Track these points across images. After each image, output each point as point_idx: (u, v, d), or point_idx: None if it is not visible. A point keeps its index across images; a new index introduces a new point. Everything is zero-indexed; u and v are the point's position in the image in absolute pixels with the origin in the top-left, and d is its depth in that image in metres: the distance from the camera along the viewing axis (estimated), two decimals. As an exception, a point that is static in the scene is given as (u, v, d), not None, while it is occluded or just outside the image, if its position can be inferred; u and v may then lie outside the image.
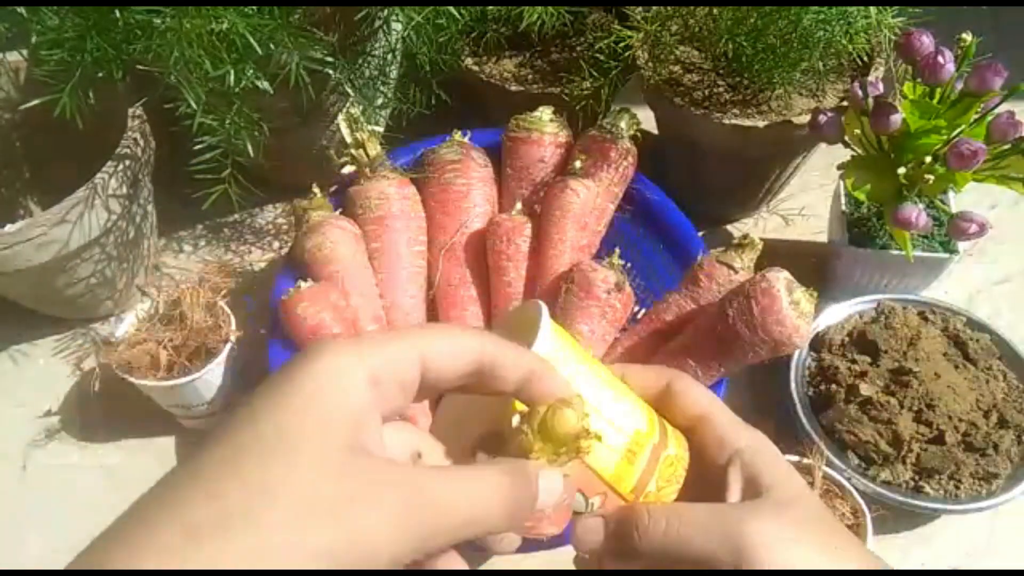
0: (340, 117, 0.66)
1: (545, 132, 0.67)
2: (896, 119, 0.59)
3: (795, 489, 0.35)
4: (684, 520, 0.33)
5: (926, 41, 0.59)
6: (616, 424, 0.33)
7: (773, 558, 0.31)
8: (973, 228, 0.60)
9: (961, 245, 0.71)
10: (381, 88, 0.71)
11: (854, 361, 0.67)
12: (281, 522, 0.22)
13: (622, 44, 0.69)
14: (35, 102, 0.57)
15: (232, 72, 0.54)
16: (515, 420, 0.28)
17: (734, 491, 0.35)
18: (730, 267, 0.60)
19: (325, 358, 0.25)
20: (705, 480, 0.36)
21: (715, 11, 0.68)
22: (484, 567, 0.62)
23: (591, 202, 0.65)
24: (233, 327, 0.64)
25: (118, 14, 0.54)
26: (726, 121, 0.67)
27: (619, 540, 0.34)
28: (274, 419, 0.23)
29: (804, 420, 0.65)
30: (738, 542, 0.32)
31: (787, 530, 0.32)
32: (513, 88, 0.76)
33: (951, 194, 0.71)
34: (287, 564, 0.21)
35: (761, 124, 0.67)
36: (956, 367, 0.66)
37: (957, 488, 0.62)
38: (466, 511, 0.25)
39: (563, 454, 0.28)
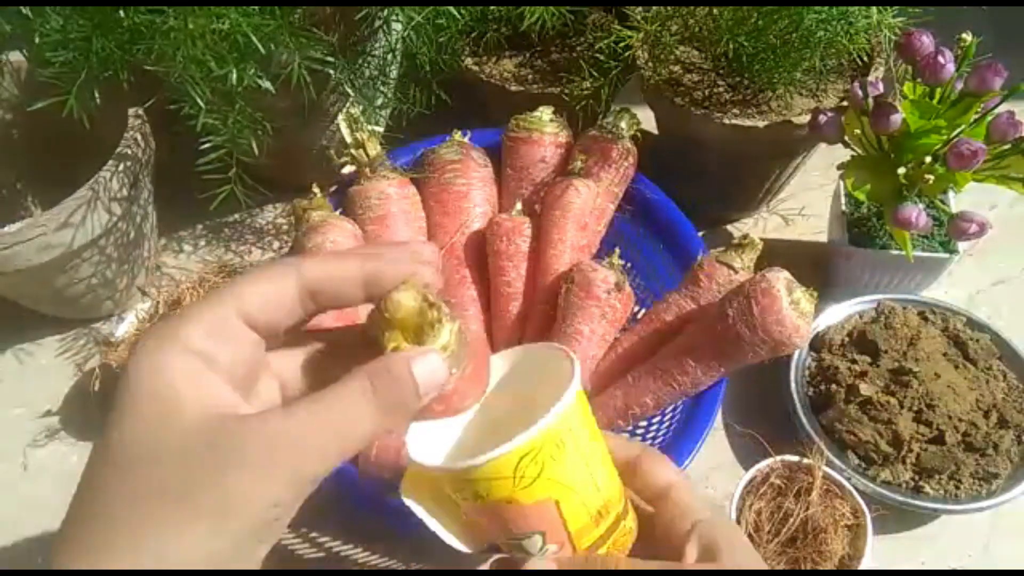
0: (340, 117, 0.66)
1: (545, 132, 0.67)
2: (896, 119, 0.59)
3: (749, 559, 0.35)
4: (675, 479, 0.36)
5: (926, 41, 0.59)
6: (598, 485, 0.34)
7: None
8: (973, 228, 0.60)
9: (961, 245, 0.71)
10: (381, 88, 0.71)
11: (854, 361, 0.67)
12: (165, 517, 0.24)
13: (622, 44, 0.69)
14: (41, 104, 0.57)
15: (235, 71, 0.54)
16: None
17: (691, 556, 0.36)
18: (730, 267, 0.60)
19: (144, 361, 0.26)
20: (665, 548, 0.37)
21: (715, 11, 0.68)
22: (485, 567, 0.62)
23: (591, 202, 0.65)
24: (233, 327, 0.64)
25: (122, 14, 0.54)
26: (726, 121, 0.67)
27: (628, 471, 0.37)
28: (124, 437, 0.25)
29: (804, 420, 0.65)
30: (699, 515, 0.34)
31: None
32: (513, 88, 0.76)
33: (951, 194, 0.71)
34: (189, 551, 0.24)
35: (761, 124, 0.67)
36: (956, 367, 0.66)
37: (957, 488, 0.62)
38: (331, 431, 0.26)
39: (429, 336, 0.28)
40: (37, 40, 0.56)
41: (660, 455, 0.39)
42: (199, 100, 0.54)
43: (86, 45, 0.55)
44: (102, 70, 0.56)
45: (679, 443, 0.57)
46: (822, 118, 0.64)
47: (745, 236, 0.62)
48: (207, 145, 0.57)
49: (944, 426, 0.62)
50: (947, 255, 0.70)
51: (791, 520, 0.56)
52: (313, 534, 0.64)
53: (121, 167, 0.63)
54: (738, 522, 0.56)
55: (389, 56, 0.69)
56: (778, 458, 0.59)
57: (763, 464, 0.60)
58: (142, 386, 0.25)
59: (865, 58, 0.71)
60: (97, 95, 0.57)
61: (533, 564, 0.34)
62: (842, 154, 0.65)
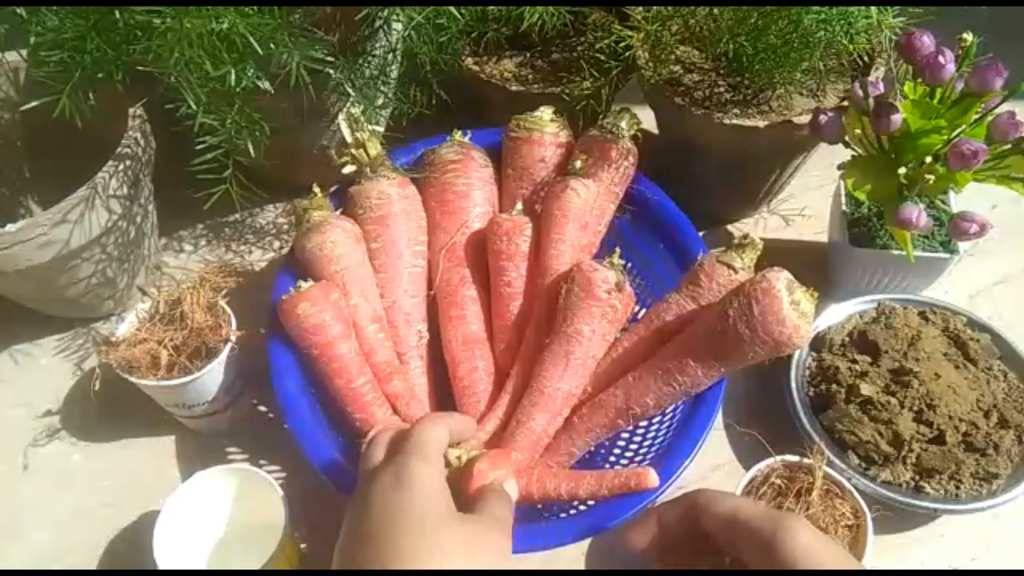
0: (340, 117, 0.66)
1: (545, 132, 0.67)
2: (896, 119, 0.59)
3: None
4: (739, 501, 0.45)
5: (926, 41, 0.59)
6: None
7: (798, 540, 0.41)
8: (973, 228, 0.60)
9: (961, 245, 0.71)
10: (381, 88, 0.71)
11: (854, 361, 0.67)
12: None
13: (622, 44, 0.69)
14: (34, 103, 0.57)
15: (233, 72, 0.54)
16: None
17: None
18: (730, 267, 0.60)
19: (414, 481, 0.42)
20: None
21: (715, 11, 0.68)
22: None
23: (591, 202, 0.65)
24: (233, 327, 0.64)
25: (118, 15, 0.54)
26: (726, 121, 0.67)
27: (689, 519, 0.46)
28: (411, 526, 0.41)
29: (804, 420, 0.65)
30: (779, 520, 0.42)
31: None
32: (513, 88, 0.76)
33: (951, 194, 0.71)
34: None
35: (761, 124, 0.67)
36: (956, 367, 0.66)
37: (957, 488, 0.62)
38: (505, 523, 0.45)
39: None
40: (33, 40, 0.56)
41: (711, 492, 0.46)
42: (192, 102, 0.54)
43: (80, 45, 0.55)
44: (96, 70, 0.56)
45: (679, 443, 0.57)
46: (822, 118, 0.64)
47: (745, 236, 0.62)
48: (203, 145, 0.57)
49: (944, 426, 0.62)
50: (947, 255, 0.70)
51: (791, 520, 0.56)
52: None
53: (121, 166, 0.63)
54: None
55: (389, 56, 0.69)
56: (778, 458, 0.59)
57: (763, 464, 0.59)
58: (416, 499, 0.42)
59: (865, 58, 0.71)
60: (91, 95, 0.57)
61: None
62: (842, 154, 0.65)
